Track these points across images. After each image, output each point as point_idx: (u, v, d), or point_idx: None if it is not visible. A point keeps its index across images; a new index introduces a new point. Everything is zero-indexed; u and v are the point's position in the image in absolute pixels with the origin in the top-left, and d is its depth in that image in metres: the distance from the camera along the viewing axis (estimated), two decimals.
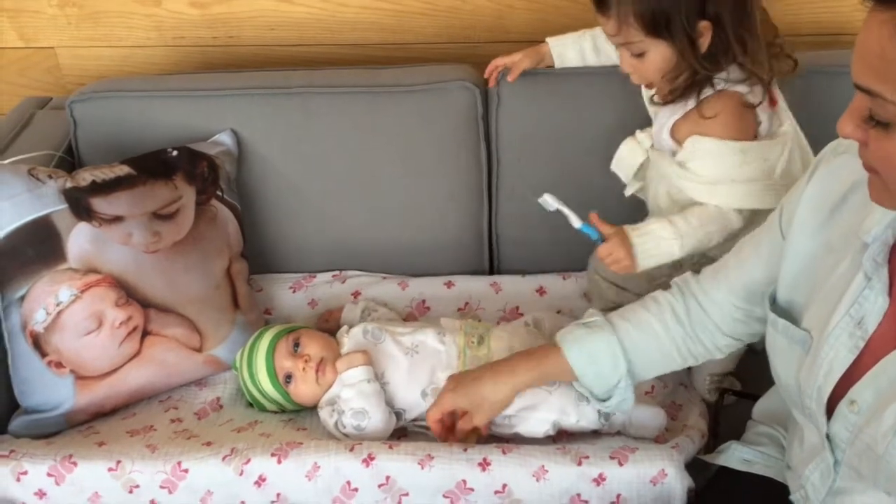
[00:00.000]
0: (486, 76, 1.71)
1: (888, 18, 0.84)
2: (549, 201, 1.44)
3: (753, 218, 1.41)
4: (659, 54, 1.34)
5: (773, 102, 1.41)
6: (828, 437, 1.11)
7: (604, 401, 1.37)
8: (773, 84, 1.40)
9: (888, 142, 0.90)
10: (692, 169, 1.41)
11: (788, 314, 1.19)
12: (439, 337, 1.52)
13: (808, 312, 1.16)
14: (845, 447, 1.09)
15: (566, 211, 1.44)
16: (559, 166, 1.76)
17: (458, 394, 1.38)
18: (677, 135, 1.44)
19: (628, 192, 1.59)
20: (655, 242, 1.40)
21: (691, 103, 1.39)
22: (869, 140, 0.92)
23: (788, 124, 1.41)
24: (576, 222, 1.44)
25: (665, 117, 1.45)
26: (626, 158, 1.55)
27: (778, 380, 1.23)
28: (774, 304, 1.21)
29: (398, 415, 1.48)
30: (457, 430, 1.40)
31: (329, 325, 1.71)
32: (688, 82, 1.37)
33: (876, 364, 1.05)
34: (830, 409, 1.10)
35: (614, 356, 1.33)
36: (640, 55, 1.35)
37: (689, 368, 1.48)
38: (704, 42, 1.32)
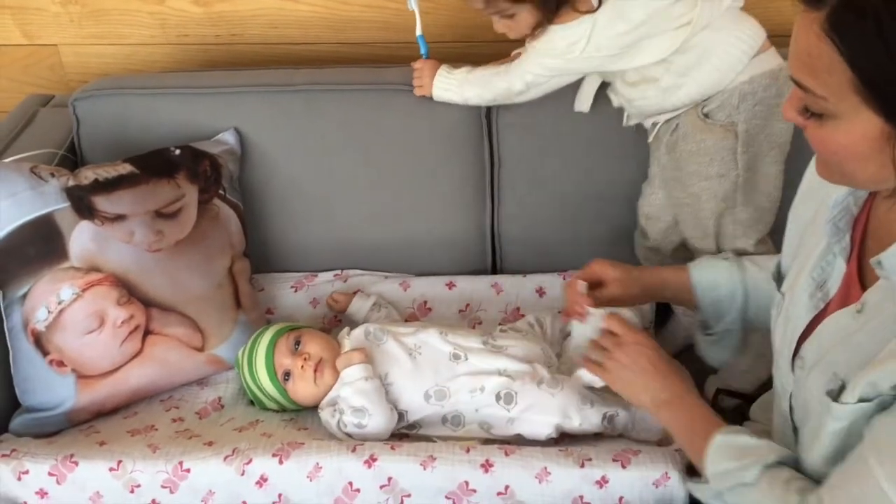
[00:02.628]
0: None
1: (813, 19, 0.92)
2: (412, 2, 1.67)
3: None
4: (527, 12, 1.53)
5: None
6: (790, 399, 1.17)
7: (710, 330, 1.45)
8: None
9: (821, 130, 0.98)
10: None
11: (781, 277, 1.27)
12: (442, 337, 1.52)
13: (788, 276, 1.24)
14: (796, 408, 1.15)
15: (417, 17, 1.69)
16: (561, 164, 1.76)
17: (612, 265, 1.48)
18: None
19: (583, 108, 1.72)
20: (447, 84, 1.68)
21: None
22: (808, 127, 1.00)
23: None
24: (418, 30, 1.71)
25: None
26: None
27: (773, 348, 1.28)
28: (779, 275, 1.29)
29: (400, 416, 1.47)
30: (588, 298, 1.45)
31: (337, 305, 1.73)
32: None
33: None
34: None
35: (733, 289, 1.43)
36: (511, 16, 1.54)
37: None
38: None
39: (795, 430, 1.16)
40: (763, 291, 1.40)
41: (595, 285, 1.47)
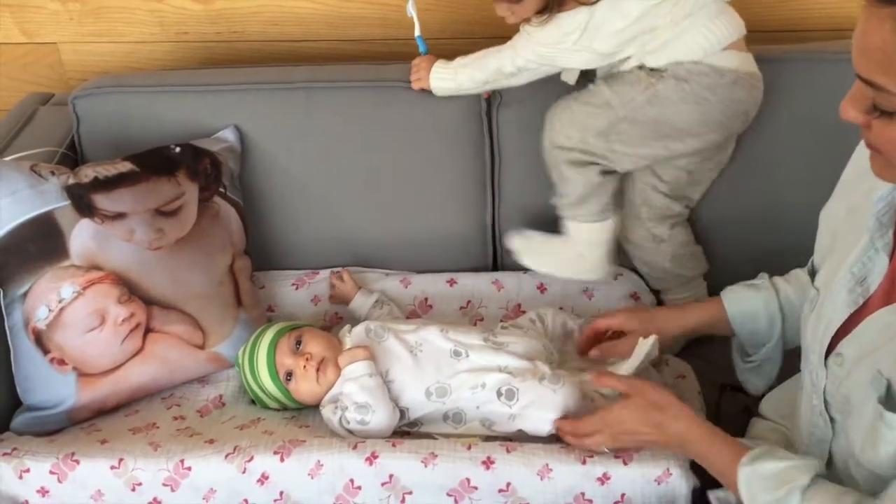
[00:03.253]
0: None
1: (887, 14, 0.88)
2: (410, 8, 1.70)
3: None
4: None
5: None
6: (824, 394, 1.15)
7: (750, 357, 1.45)
8: None
9: (893, 129, 0.94)
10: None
11: (815, 276, 1.26)
12: (443, 334, 1.52)
13: (821, 271, 1.23)
14: (832, 402, 1.13)
15: (416, 20, 1.71)
16: None
17: (633, 317, 1.51)
18: None
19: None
20: (442, 74, 1.68)
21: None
22: (872, 125, 0.97)
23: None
24: (416, 31, 1.73)
25: None
26: None
27: (802, 343, 1.27)
28: (813, 270, 1.29)
29: (402, 414, 1.47)
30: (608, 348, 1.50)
31: (342, 286, 1.73)
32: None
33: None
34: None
35: (771, 317, 1.41)
36: (519, 1, 1.53)
37: None
38: None
39: (832, 421, 1.15)
40: (797, 308, 1.38)
41: (618, 334, 1.52)
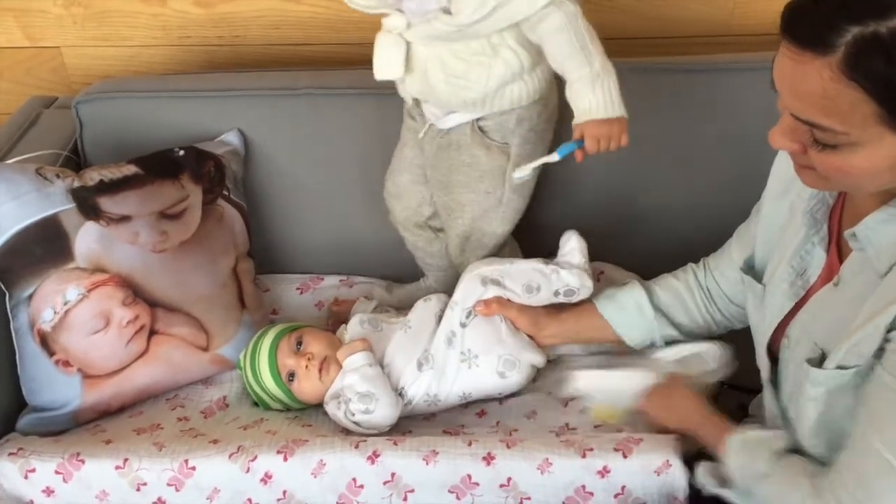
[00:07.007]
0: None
1: (824, 64, 0.92)
2: (522, 174, 1.48)
3: None
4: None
5: None
6: (774, 383, 1.23)
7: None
8: None
9: (835, 157, 0.99)
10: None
11: (759, 275, 1.31)
12: (426, 304, 1.58)
13: (768, 269, 1.28)
14: (784, 384, 1.20)
15: (540, 162, 1.47)
16: (559, 165, 1.76)
17: (521, 313, 1.52)
18: None
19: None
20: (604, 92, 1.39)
21: None
22: (811, 155, 1.01)
23: None
24: (554, 157, 1.44)
25: None
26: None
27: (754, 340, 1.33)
28: (752, 269, 1.33)
29: (403, 395, 1.50)
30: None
31: (340, 309, 1.74)
32: None
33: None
34: (775, 356, 1.24)
35: (640, 306, 1.49)
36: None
37: None
38: None
39: (784, 413, 1.20)
40: (669, 306, 1.50)
41: None
